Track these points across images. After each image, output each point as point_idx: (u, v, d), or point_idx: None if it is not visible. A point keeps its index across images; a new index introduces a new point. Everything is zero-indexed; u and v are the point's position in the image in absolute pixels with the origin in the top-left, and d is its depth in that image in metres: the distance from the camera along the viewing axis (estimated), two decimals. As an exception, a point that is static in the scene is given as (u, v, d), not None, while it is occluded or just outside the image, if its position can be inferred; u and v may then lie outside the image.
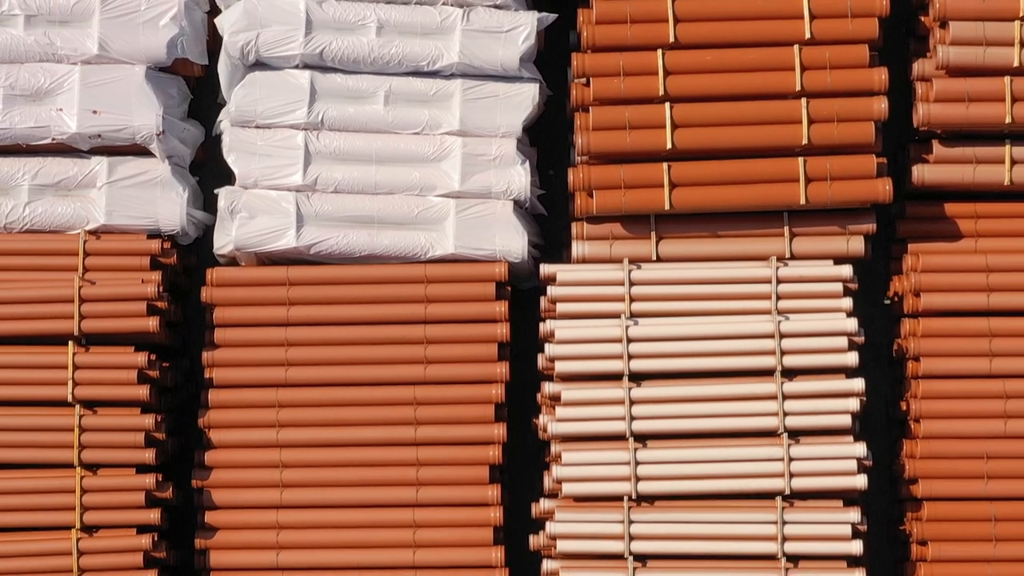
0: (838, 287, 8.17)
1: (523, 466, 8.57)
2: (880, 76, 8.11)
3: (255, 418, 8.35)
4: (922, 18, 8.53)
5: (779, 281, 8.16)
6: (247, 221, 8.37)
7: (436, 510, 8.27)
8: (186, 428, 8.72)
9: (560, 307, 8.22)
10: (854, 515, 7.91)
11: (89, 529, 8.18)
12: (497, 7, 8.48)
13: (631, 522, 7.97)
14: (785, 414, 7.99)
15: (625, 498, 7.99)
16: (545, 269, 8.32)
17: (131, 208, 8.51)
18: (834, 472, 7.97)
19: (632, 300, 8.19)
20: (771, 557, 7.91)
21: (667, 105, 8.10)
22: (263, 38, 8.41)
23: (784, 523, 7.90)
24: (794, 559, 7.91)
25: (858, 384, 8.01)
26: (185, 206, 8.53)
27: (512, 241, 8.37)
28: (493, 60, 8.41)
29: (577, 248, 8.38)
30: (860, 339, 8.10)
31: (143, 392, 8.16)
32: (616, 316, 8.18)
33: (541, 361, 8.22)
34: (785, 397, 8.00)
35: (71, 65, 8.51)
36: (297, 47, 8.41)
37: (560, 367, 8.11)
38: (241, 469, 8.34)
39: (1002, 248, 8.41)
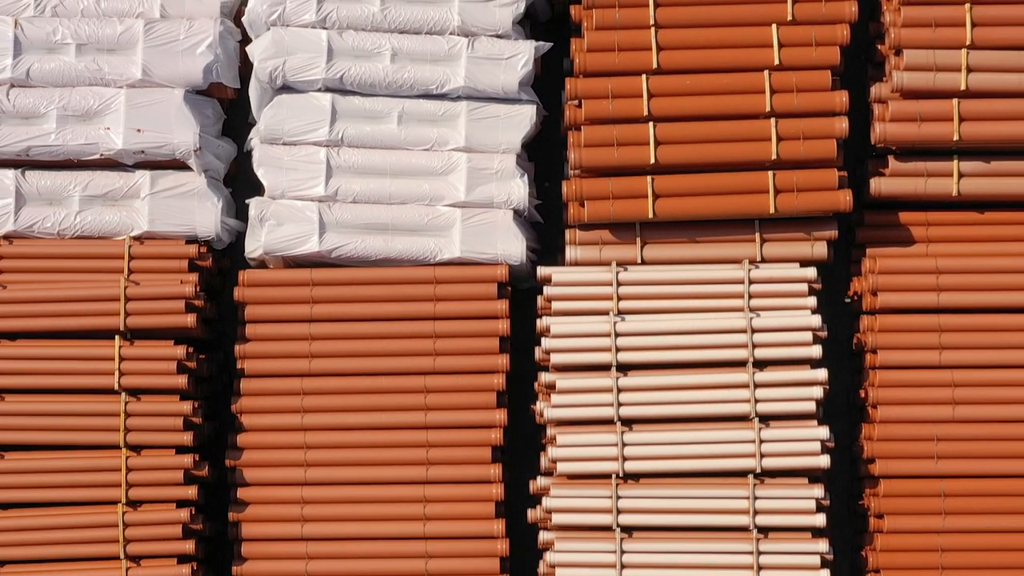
0: (803, 287, 8.26)
1: (522, 447, 8.62)
2: (841, 98, 8.21)
3: (282, 404, 8.42)
4: (879, 47, 8.64)
5: (751, 282, 8.25)
6: (275, 228, 8.45)
7: (444, 487, 8.35)
8: (220, 413, 8.76)
9: (555, 305, 8.30)
10: (818, 491, 7.99)
11: (133, 503, 8.26)
12: (499, 36, 8.57)
13: (618, 497, 8.05)
14: (756, 401, 8.08)
15: (613, 476, 8.07)
16: (542, 271, 8.40)
17: (171, 216, 8.57)
18: (800, 453, 8.05)
19: (619, 299, 8.28)
20: (744, 529, 8.01)
21: (651, 124, 8.20)
22: (289, 64, 8.50)
23: (755, 498, 7.99)
24: (764, 530, 8.00)
25: (821, 374, 8.09)
26: (219, 214, 8.59)
27: (512, 246, 8.45)
28: (495, 84, 8.49)
29: (570, 252, 8.45)
30: (823, 333, 8.16)
31: (182, 381, 8.26)
32: (605, 313, 8.25)
33: (538, 353, 8.30)
34: (756, 385, 8.10)
35: (117, 89, 8.57)
36: (319, 72, 8.49)
37: (555, 359, 8.20)
38: (269, 450, 8.42)
39: (950, 252, 8.48)
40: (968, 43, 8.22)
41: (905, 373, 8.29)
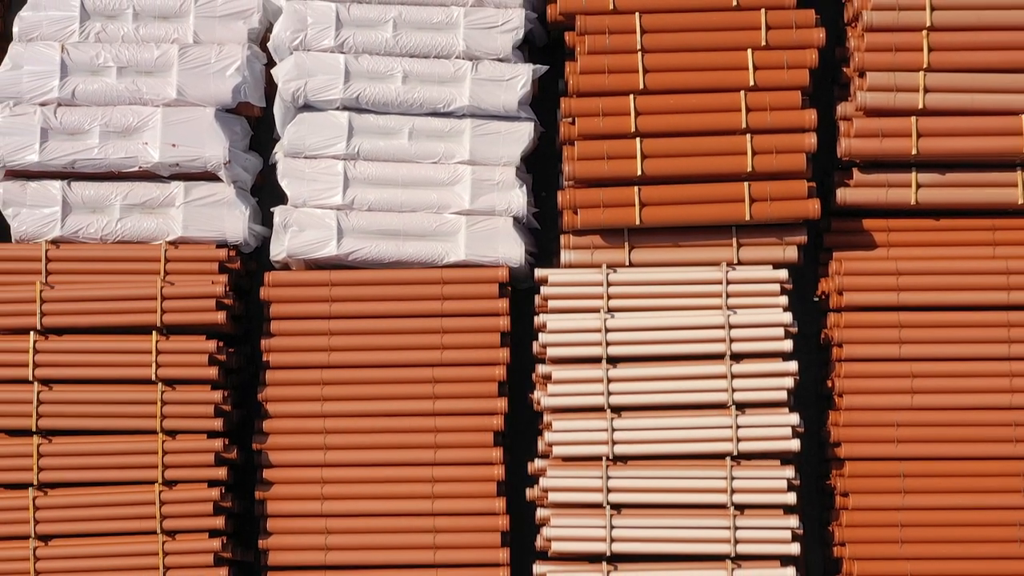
0: (776, 287, 8.33)
1: (521, 432, 8.67)
2: (810, 116, 8.29)
3: (303, 394, 8.46)
4: (844, 69, 8.72)
5: (728, 282, 8.31)
6: (297, 234, 8.50)
7: (450, 468, 8.38)
8: (247, 401, 8.82)
9: (551, 303, 8.39)
10: (789, 472, 8.07)
11: (169, 483, 8.32)
12: (500, 60, 8.63)
13: (608, 478, 8.12)
14: (733, 390, 8.15)
15: (604, 458, 8.15)
16: (539, 272, 8.48)
17: (203, 223, 8.61)
18: (773, 437, 8.12)
19: (609, 298, 8.34)
20: (722, 506, 8.09)
21: (638, 140, 8.28)
22: (310, 85, 8.55)
23: (732, 479, 8.06)
24: (740, 507, 8.08)
25: (792, 366, 8.17)
26: (247, 221, 8.64)
27: (512, 250, 8.52)
28: (496, 103, 8.56)
29: (565, 255, 8.54)
30: (794, 329, 8.25)
31: (213, 372, 8.32)
32: (596, 311, 8.32)
33: (535, 347, 8.38)
34: (733, 376, 8.16)
35: (154, 107, 8.63)
36: (338, 93, 8.55)
37: (551, 352, 8.30)
38: (292, 435, 8.45)
39: (909, 256, 8.54)
40: (925, 66, 8.31)
41: (868, 365, 8.36)
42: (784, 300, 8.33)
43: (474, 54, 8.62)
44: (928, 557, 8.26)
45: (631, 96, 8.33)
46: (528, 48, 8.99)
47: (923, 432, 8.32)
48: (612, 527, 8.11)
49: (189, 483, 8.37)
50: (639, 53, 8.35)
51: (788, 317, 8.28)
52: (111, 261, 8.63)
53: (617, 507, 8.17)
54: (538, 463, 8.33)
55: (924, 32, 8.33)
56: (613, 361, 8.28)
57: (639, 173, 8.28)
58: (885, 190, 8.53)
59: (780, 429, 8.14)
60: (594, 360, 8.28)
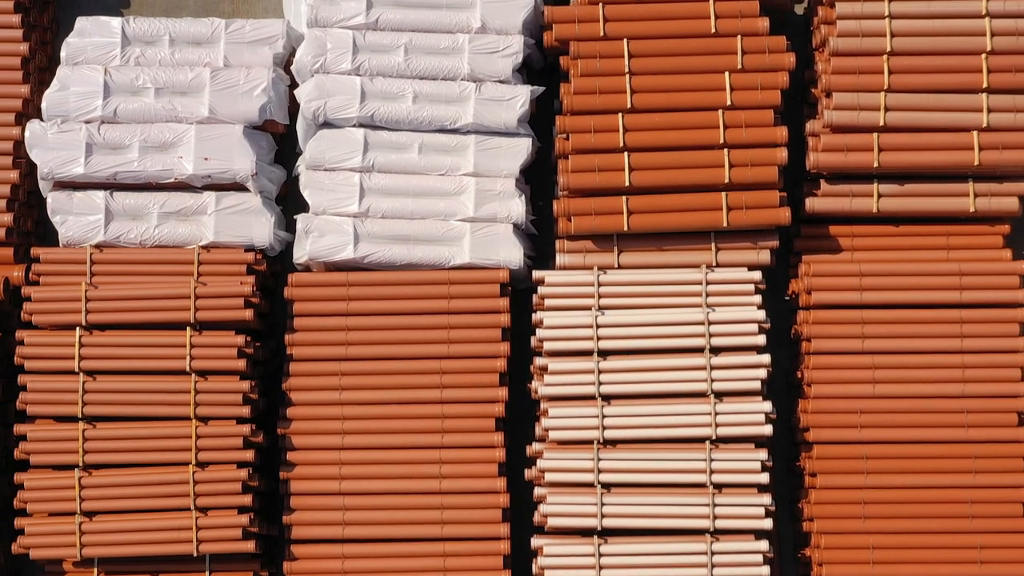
0: (751, 287, 8.46)
1: (520, 418, 8.75)
2: (782, 133, 8.44)
3: (323, 383, 8.56)
4: (812, 90, 8.86)
5: (707, 283, 8.44)
6: (318, 239, 8.60)
7: (455, 450, 8.47)
8: (272, 390, 8.91)
9: (547, 302, 8.51)
10: (762, 454, 8.22)
11: (201, 464, 8.43)
12: (501, 82, 8.74)
13: (599, 460, 8.24)
14: (712, 380, 8.27)
15: (595, 442, 8.28)
16: (536, 274, 8.60)
17: (232, 229, 8.71)
18: (748, 423, 8.25)
19: (600, 297, 8.46)
20: (702, 485, 8.21)
21: (626, 154, 8.41)
22: (329, 105, 8.67)
23: (711, 460, 8.20)
24: (719, 486, 8.22)
25: (766, 358, 8.32)
26: (272, 228, 8.74)
27: (512, 253, 8.63)
28: (498, 121, 8.68)
29: (560, 258, 8.66)
30: (767, 325, 8.39)
31: (241, 364, 8.42)
32: (588, 309, 8.44)
33: (533, 341, 8.48)
34: (712, 368, 8.29)
35: (188, 124, 8.73)
36: (354, 112, 8.67)
37: (547, 346, 8.42)
38: (313, 420, 8.55)
39: (871, 259, 8.67)
40: (886, 87, 8.47)
41: (834, 358, 8.50)
42: (758, 299, 8.46)
43: (478, 76, 8.74)
44: (888, 531, 8.38)
45: (620, 114, 8.46)
46: (527, 71, 9.10)
47: (884, 418, 8.44)
48: (603, 504, 8.22)
49: (220, 464, 8.46)
50: (627, 76, 8.49)
51: (762, 314, 8.40)
52: (149, 263, 8.73)
53: (607, 486, 8.28)
54: (536, 446, 8.43)
55: (885, 57, 8.49)
56: (604, 354, 8.39)
57: (627, 184, 8.41)
58: (849, 199, 8.65)
59: (754, 416, 8.27)
60: (586, 353, 8.39)
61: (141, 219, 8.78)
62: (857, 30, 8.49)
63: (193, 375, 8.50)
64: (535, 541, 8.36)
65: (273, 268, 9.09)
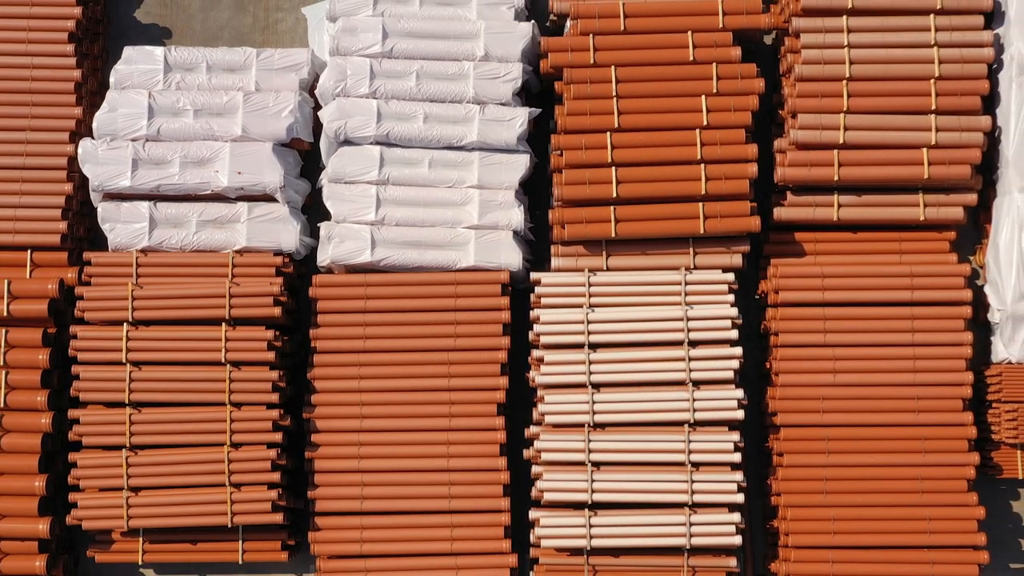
0: (725, 287, 8.53)
1: (519, 404, 8.79)
2: (752, 149, 8.50)
3: (344, 373, 8.63)
4: (780, 111, 8.97)
5: (686, 283, 8.50)
6: (339, 244, 8.66)
7: (461, 432, 8.55)
8: (298, 379, 8.99)
9: (544, 300, 8.58)
10: (735, 436, 8.30)
11: (235, 445, 8.53)
12: (502, 104, 8.78)
13: (590, 441, 8.32)
14: (690, 370, 8.34)
15: (586, 425, 8.35)
16: (534, 275, 8.66)
17: (263, 236, 8.78)
18: (722, 408, 8.32)
19: (591, 296, 8.53)
20: (681, 463, 8.30)
21: (613, 168, 8.47)
22: (349, 125, 8.73)
23: (690, 441, 8.28)
24: (696, 465, 8.31)
25: (738, 350, 8.39)
26: (298, 234, 8.80)
27: (512, 257, 8.69)
28: (499, 139, 8.74)
29: (555, 261, 8.73)
30: (739, 321, 8.48)
31: (271, 356, 8.52)
32: (580, 306, 8.51)
33: (531, 335, 8.56)
34: (690, 359, 8.35)
35: (223, 142, 8.80)
36: (371, 131, 8.72)
37: (543, 339, 8.49)
38: (334, 406, 8.62)
39: (832, 262, 8.76)
40: (845, 109, 8.58)
41: (799, 350, 8.60)
42: (731, 298, 8.55)
43: (481, 99, 8.80)
44: (847, 505, 8.49)
45: (608, 133, 8.55)
46: (525, 94, 9.18)
47: (843, 404, 8.54)
48: (593, 480, 8.30)
49: (251, 445, 8.57)
50: (614, 99, 8.57)
51: (734, 311, 8.50)
52: (188, 266, 8.82)
53: (597, 464, 8.37)
54: (533, 429, 8.53)
55: (844, 82, 8.62)
56: (594, 347, 8.47)
57: (614, 195, 8.49)
58: (813, 209, 8.77)
59: (728, 402, 8.36)
60: (578, 346, 8.47)
61: (181, 226, 8.83)
62: (819, 58, 8.61)
63: (228, 365, 8.58)
64: (533, 513, 8.44)
65: (299, 270, 9.15)
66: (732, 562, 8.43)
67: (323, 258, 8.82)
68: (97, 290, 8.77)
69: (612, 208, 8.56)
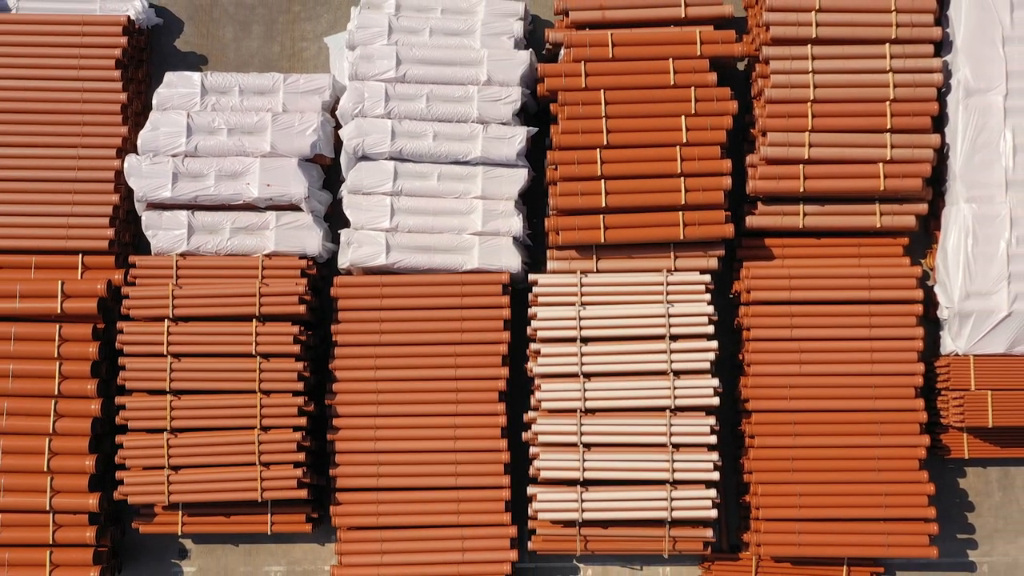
0: (702, 287, 8.64)
1: (518, 392, 8.92)
2: (726, 164, 8.61)
3: (361, 364, 8.74)
4: (751, 130, 9.06)
5: (668, 283, 8.62)
6: (357, 249, 8.78)
7: (466, 417, 8.65)
8: (321, 369, 9.06)
9: (540, 299, 8.69)
10: (712, 421, 8.40)
11: (264, 429, 8.61)
12: (503, 124, 8.87)
13: (581, 424, 8.41)
14: (671, 361, 8.43)
15: (578, 410, 8.45)
16: (532, 277, 8.78)
17: (289, 241, 8.89)
18: (700, 395, 8.43)
19: (582, 295, 8.63)
20: (663, 445, 8.37)
21: (603, 181, 8.59)
22: (367, 142, 8.84)
23: (671, 425, 8.36)
24: (676, 446, 8.40)
25: (714, 343, 8.50)
26: (321, 240, 8.91)
27: (512, 260, 8.79)
28: (501, 155, 8.85)
29: (551, 264, 8.86)
30: (715, 317, 8.58)
31: (296, 348, 8.62)
32: (573, 304, 8.61)
33: (529, 330, 8.68)
34: (671, 351, 8.43)
35: (254, 158, 8.90)
36: (386, 148, 8.85)
37: (540, 334, 8.61)
38: (353, 393, 8.72)
39: (798, 265, 8.87)
40: (810, 128, 8.71)
41: (768, 343, 8.72)
42: (708, 296, 8.67)
43: (484, 119, 8.93)
44: (812, 482, 8.60)
45: (598, 149, 8.67)
46: (523, 114, 9.31)
47: (808, 392, 8.67)
48: (584, 460, 8.40)
49: (279, 429, 8.67)
50: (604, 119, 8.71)
51: (711, 308, 8.62)
52: (223, 268, 8.95)
53: (588, 446, 8.48)
54: (531, 414, 8.65)
55: (809, 104, 8.76)
56: (585, 340, 8.57)
57: (604, 205, 8.61)
58: (781, 217, 8.88)
59: (705, 390, 8.49)
60: (571, 340, 8.59)
61: (216, 233, 8.95)
62: (787, 83, 8.74)
63: (258, 357, 8.68)
64: (530, 489, 8.55)
65: (321, 272, 9.26)
66: (709, 533, 8.53)
67: (343, 261, 8.92)
68: (141, 290, 8.87)
69: (602, 217, 8.66)
